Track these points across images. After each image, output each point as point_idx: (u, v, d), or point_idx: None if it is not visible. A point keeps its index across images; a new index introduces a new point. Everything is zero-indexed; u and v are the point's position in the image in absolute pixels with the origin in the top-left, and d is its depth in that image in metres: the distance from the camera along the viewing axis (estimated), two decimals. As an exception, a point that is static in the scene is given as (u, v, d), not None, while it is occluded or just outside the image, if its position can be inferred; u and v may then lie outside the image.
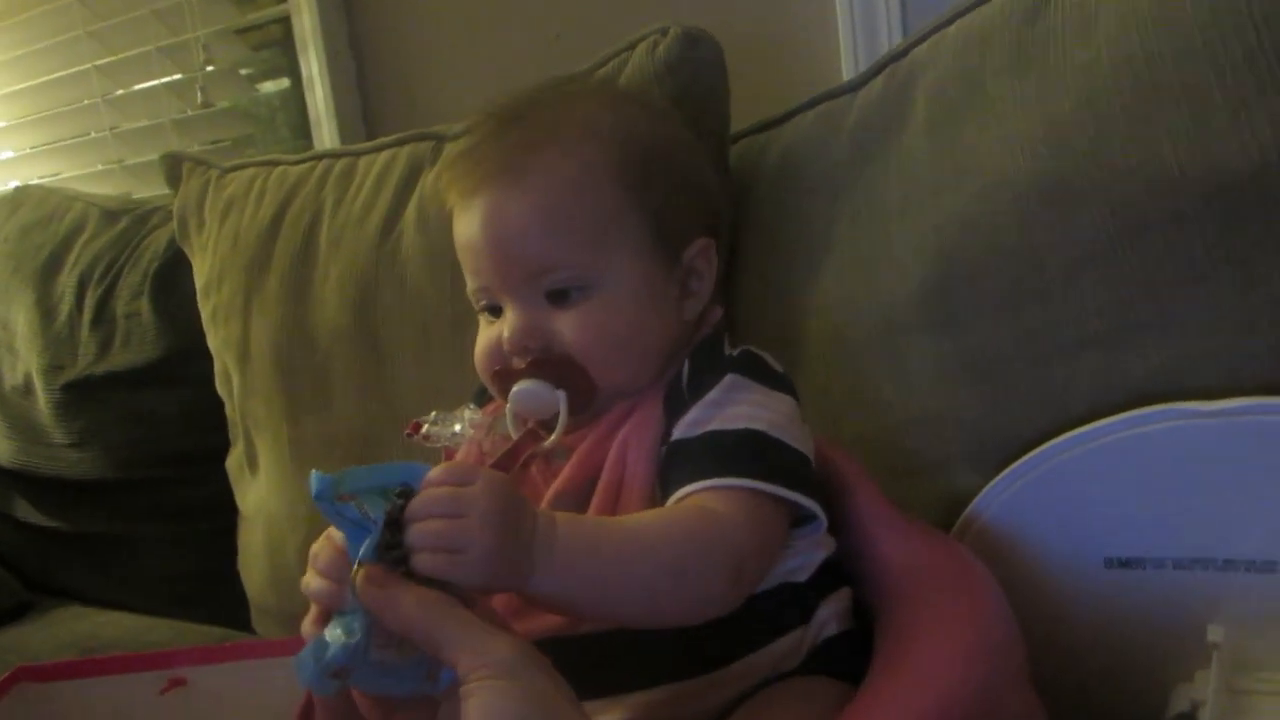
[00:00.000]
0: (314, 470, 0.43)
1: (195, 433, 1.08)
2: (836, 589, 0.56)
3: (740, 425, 0.52)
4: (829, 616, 0.54)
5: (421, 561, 0.41)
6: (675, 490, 0.50)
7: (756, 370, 0.56)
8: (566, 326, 0.55)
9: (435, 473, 0.44)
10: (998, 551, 0.60)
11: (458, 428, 0.56)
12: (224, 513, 1.03)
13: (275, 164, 1.02)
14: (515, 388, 0.55)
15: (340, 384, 0.89)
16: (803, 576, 0.54)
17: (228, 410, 1.02)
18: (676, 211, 0.58)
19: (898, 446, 0.66)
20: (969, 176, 0.63)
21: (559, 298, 0.55)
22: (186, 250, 1.07)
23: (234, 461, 1.02)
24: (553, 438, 0.54)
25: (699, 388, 0.54)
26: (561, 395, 0.54)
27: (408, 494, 0.43)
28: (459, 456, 0.57)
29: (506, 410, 0.55)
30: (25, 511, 1.21)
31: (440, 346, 0.84)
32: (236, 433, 1.01)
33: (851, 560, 0.57)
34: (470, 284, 0.59)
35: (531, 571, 0.43)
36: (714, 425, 0.52)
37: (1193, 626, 0.54)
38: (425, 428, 0.56)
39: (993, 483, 0.61)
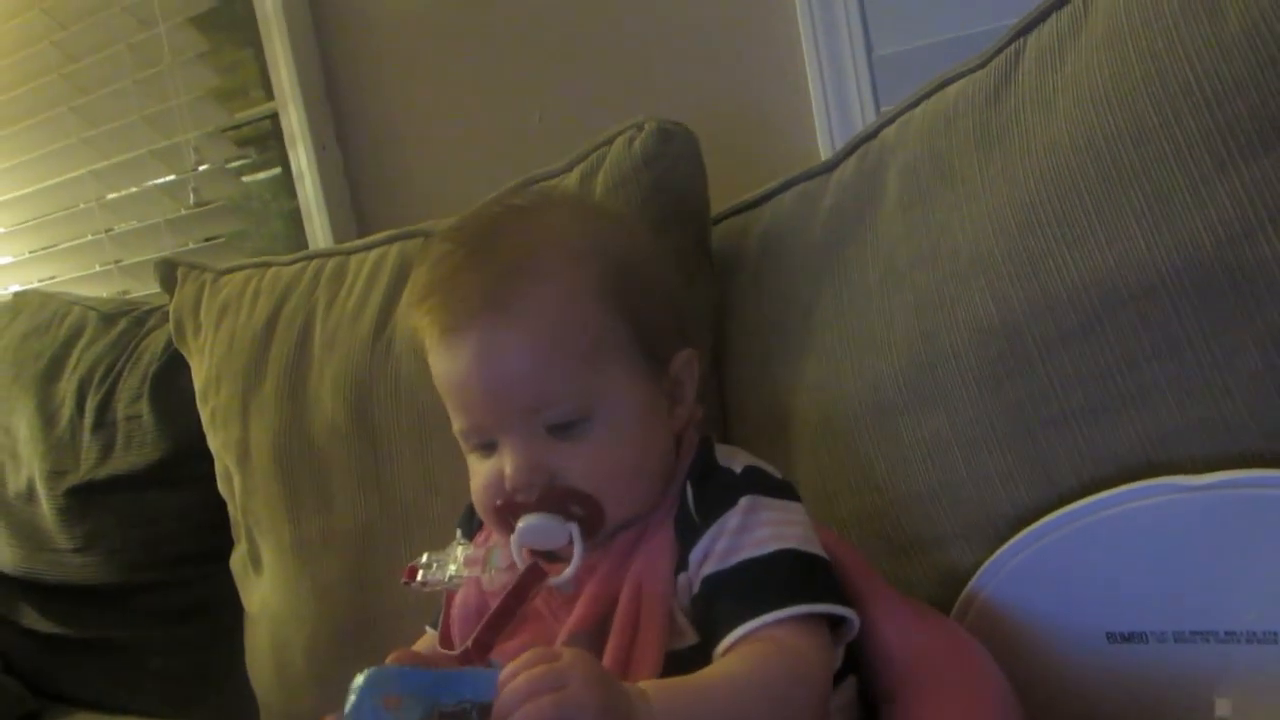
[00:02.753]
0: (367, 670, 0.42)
1: (199, 533, 1.08)
2: (843, 678, 0.56)
3: (772, 548, 0.52)
4: (834, 710, 0.54)
5: None
6: (727, 629, 0.50)
7: (766, 485, 0.55)
8: (575, 461, 0.53)
9: (519, 661, 0.43)
10: (1000, 628, 0.60)
11: (453, 568, 0.55)
12: (229, 611, 1.03)
13: (268, 265, 1.03)
14: (521, 524, 0.53)
15: (340, 482, 0.90)
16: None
17: (230, 510, 1.02)
18: (660, 323, 0.58)
19: (892, 524, 0.66)
20: (943, 256, 0.64)
21: (561, 430, 0.54)
22: (185, 353, 1.08)
23: (238, 561, 1.02)
24: (568, 571, 0.53)
25: (711, 512, 0.54)
26: (574, 528, 0.53)
27: (482, 709, 0.42)
28: (459, 598, 0.57)
29: (511, 544, 0.54)
30: (31, 619, 1.21)
31: (438, 440, 0.84)
32: (239, 532, 1.01)
33: (854, 649, 0.57)
34: (458, 423, 0.57)
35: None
36: (746, 554, 0.52)
37: (1198, 700, 0.54)
38: (420, 573, 0.55)
39: (989, 560, 0.61)
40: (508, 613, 0.53)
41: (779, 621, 0.50)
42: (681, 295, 0.63)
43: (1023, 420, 0.60)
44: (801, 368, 0.72)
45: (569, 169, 0.82)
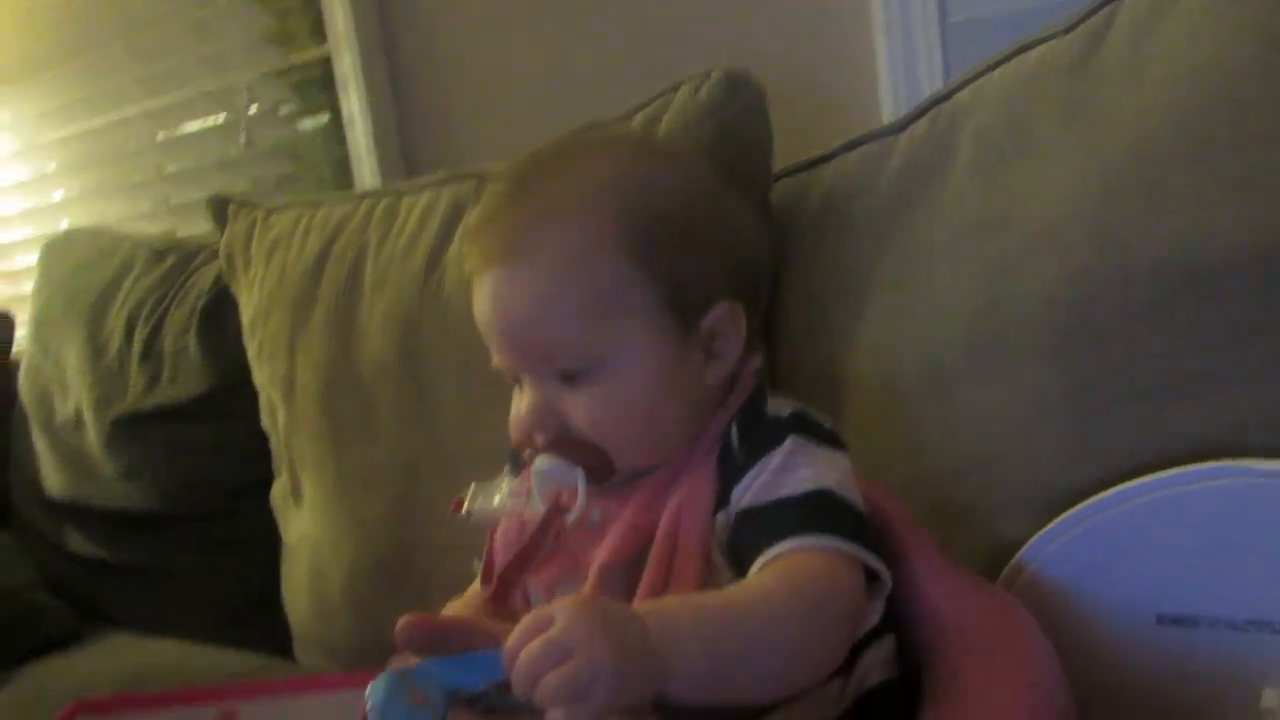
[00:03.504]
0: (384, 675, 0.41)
1: (240, 465, 1.10)
2: (880, 635, 0.55)
3: (809, 487, 0.51)
4: (872, 664, 0.54)
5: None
6: (756, 555, 0.49)
7: (813, 431, 0.54)
8: (577, 408, 0.54)
9: (512, 639, 0.40)
10: (1046, 603, 0.59)
11: (497, 500, 0.55)
12: (268, 544, 1.05)
13: (319, 204, 1.04)
14: (535, 464, 0.54)
15: (385, 418, 0.91)
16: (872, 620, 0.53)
17: (273, 443, 1.04)
18: (693, 276, 0.56)
19: (943, 493, 0.65)
20: (1016, 223, 0.63)
21: (571, 378, 0.54)
22: (233, 288, 1.09)
23: (278, 493, 1.03)
24: (572, 516, 0.53)
25: (755, 453, 0.53)
26: (579, 473, 0.53)
27: (498, 687, 0.41)
28: (500, 530, 0.57)
29: (533, 482, 0.55)
30: (76, 543, 1.24)
31: (483, 382, 0.84)
32: (281, 465, 1.02)
33: (895, 606, 0.57)
34: (493, 358, 0.58)
35: (665, 675, 0.41)
36: (784, 491, 0.51)
37: (1246, 689, 0.53)
38: (466, 504, 0.55)
39: (1041, 533, 0.60)
40: (531, 552, 0.54)
41: (812, 548, 0.49)
42: (743, 240, 0.59)
43: (1087, 396, 0.59)
44: (857, 331, 0.72)
45: (630, 115, 0.81)
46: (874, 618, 0.54)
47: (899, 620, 0.57)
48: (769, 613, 0.45)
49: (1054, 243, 0.60)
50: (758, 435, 0.54)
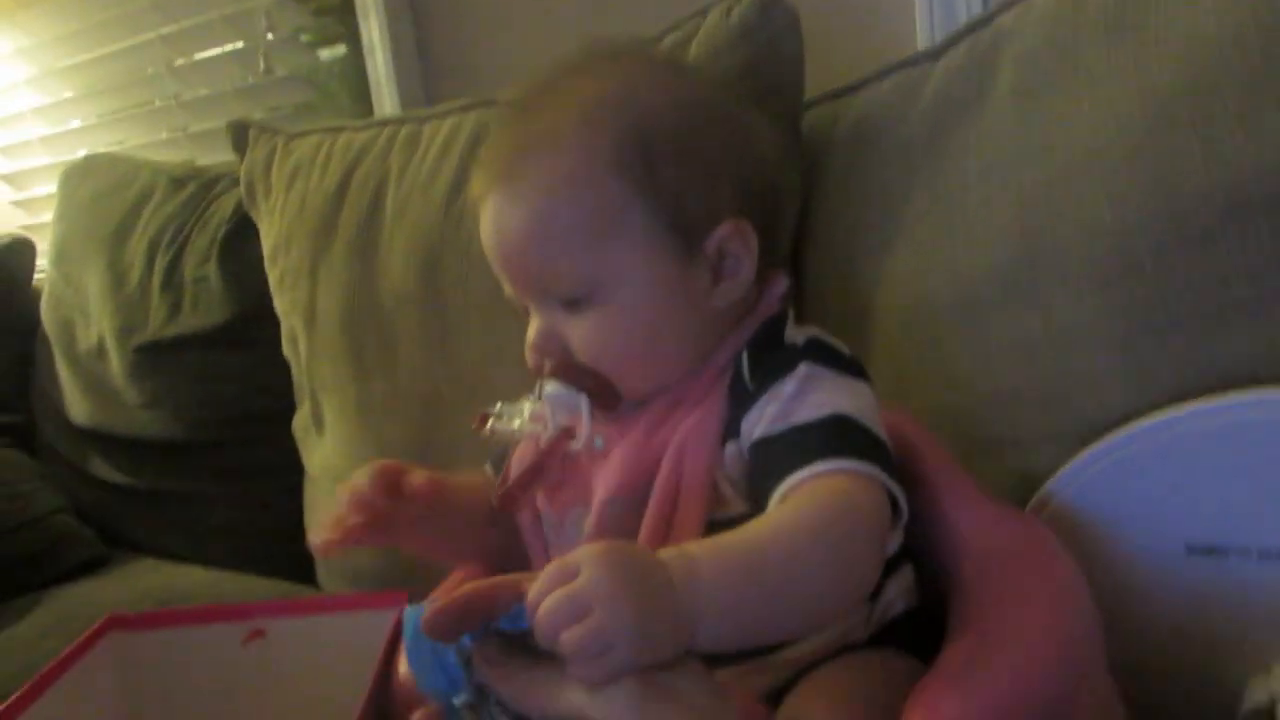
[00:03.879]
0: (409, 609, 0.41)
1: (262, 394, 1.10)
2: (900, 565, 0.55)
3: (826, 412, 0.49)
4: (895, 594, 0.54)
5: (585, 678, 0.38)
6: (775, 485, 0.48)
7: (829, 357, 0.52)
8: (577, 335, 0.53)
9: (534, 591, 0.38)
10: (1073, 532, 0.59)
11: (518, 422, 0.55)
12: (290, 472, 1.06)
13: (340, 130, 1.02)
14: (545, 390, 0.54)
15: (406, 346, 0.91)
16: (891, 549, 0.53)
17: (294, 372, 1.04)
18: (695, 194, 0.53)
19: (972, 423, 0.65)
20: (1057, 150, 0.61)
21: (571, 305, 0.53)
22: (254, 215, 1.08)
23: (300, 423, 1.04)
24: (577, 442, 0.53)
25: (767, 380, 0.51)
26: (583, 399, 0.53)
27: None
28: (518, 452, 0.57)
29: (544, 405, 0.54)
30: (101, 469, 1.25)
31: (504, 311, 0.84)
32: (303, 394, 1.02)
33: (919, 534, 0.56)
34: (504, 287, 0.58)
35: (695, 621, 0.39)
36: (798, 418, 0.49)
37: (1275, 617, 0.53)
38: (490, 421, 0.55)
39: (1072, 462, 0.59)
40: (534, 474, 0.54)
41: (833, 472, 0.46)
42: (754, 156, 0.56)
43: (1125, 325, 0.58)
44: (887, 260, 0.71)
45: (660, 39, 0.79)
46: (893, 546, 0.54)
47: (924, 549, 0.57)
48: (793, 548, 0.43)
49: (1097, 170, 0.58)
50: (771, 362, 0.52)
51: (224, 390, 1.14)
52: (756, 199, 0.56)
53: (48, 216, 1.45)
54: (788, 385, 0.50)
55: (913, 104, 0.72)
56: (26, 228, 1.67)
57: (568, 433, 0.54)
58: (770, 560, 0.42)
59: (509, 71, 1.17)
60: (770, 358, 0.52)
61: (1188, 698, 0.58)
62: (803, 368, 0.51)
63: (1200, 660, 0.57)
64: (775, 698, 0.49)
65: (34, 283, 1.49)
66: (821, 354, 0.52)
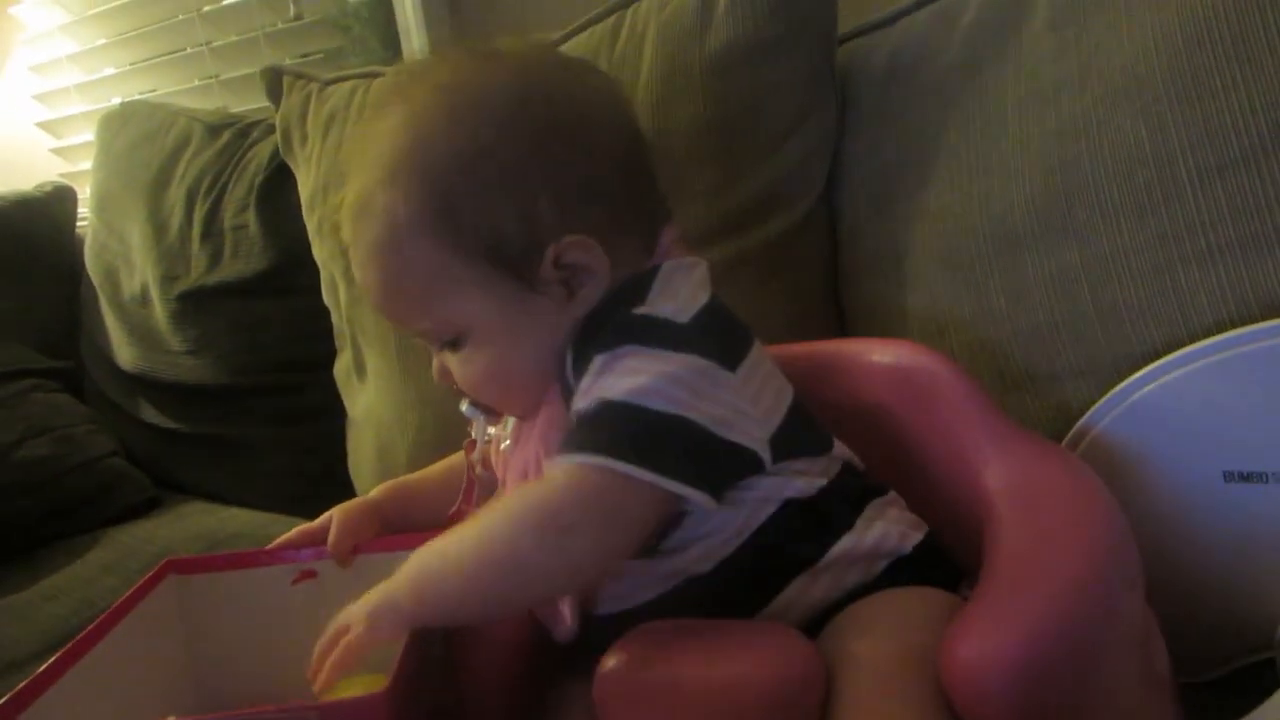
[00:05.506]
0: None
1: (303, 341, 1.12)
2: (873, 496, 0.54)
3: (593, 400, 0.48)
4: (884, 527, 0.53)
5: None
6: None
7: (644, 331, 0.49)
8: (455, 372, 0.56)
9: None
10: (1109, 465, 0.59)
11: (491, 431, 0.61)
12: (332, 417, 1.08)
13: (375, 75, 1.02)
14: (462, 406, 0.59)
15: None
16: (808, 493, 0.52)
17: (334, 319, 1.05)
18: (508, 230, 0.51)
19: (1006, 359, 0.65)
20: (1095, 77, 0.60)
21: (447, 344, 0.55)
22: (291, 163, 1.09)
23: (341, 369, 1.06)
24: (475, 454, 0.60)
25: (580, 373, 0.50)
26: (480, 417, 0.59)
27: None
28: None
29: None
30: (149, 414, 1.28)
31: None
32: (344, 341, 1.04)
33: (946, 471, 0.56)
34: None
35: (401, 606, 0.47)
36: (577, 409, 0.49)
37: (1315, 542, 0.53)
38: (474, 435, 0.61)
39: (1108, 394, 0.60)
40: (469, 487, 0.61)
41: (555, 466, 0.47)
42: (572, 168, 0.53)
43: (1163, 254, 0.58)
44: (923, 197, 0.70)
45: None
46: (815, 482, 0.52)
47: (955, 487, 0.57)
48: (461, 552, 0.47)
49: (1136, 97, 0.58)
50: (588, 351, 0.50)
51: (266, 337, 1.17)
52: (595, 198, 0.53)
53: (85, 164, 1.47)
54: (585, 380, 0.49)
55: (948, 35, 0.71)
56: (65, 175, 1.70)
57: (469, 448, 0.60)
58: (458, 551, 0.47)
59: (537, 12, 1.16)
60: (587, 347, 0.50)
61: (1226, 624, 0.59)
62: (597, 360, 0.49)
63: (1236, 587, 0.58)
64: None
65: (77, 230, 1.51)
66: (633, 330, 0.50)
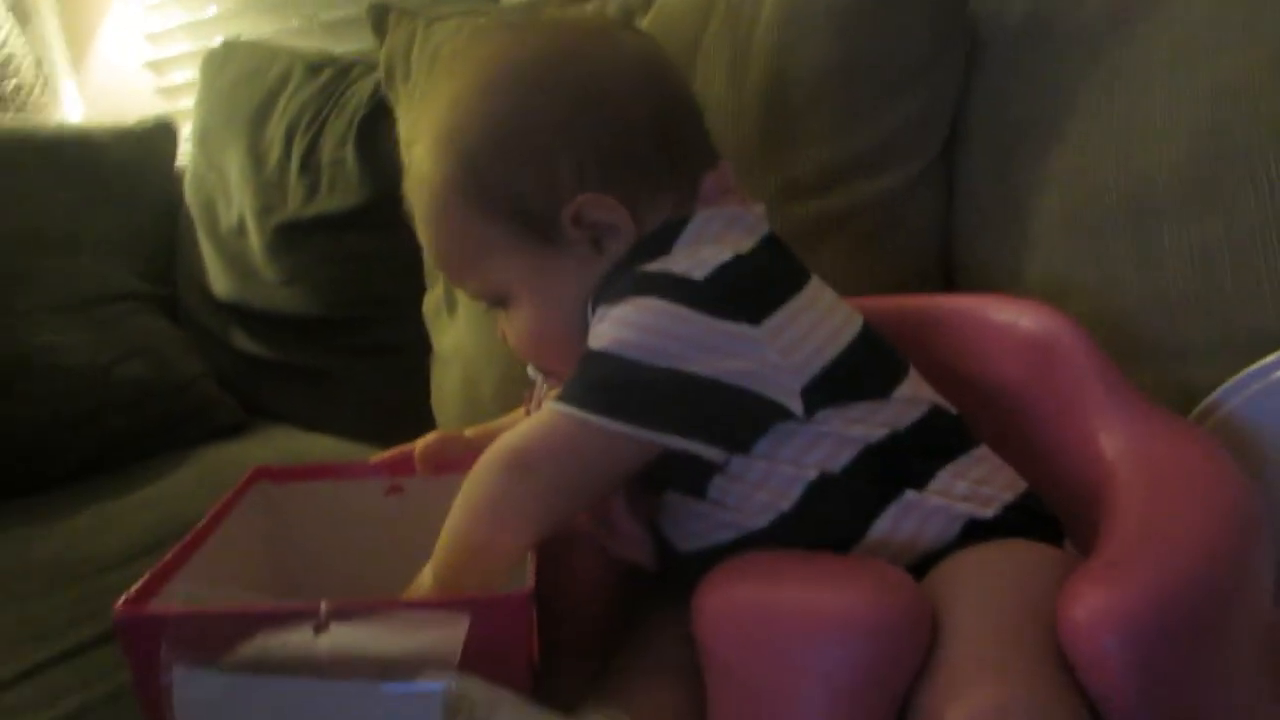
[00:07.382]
0: None
1: (395, 275, 1.13)
2: (956, 454, 0.52)
3: (586, 350, 0.51)
4: (944, 492, 0.50)
5: None
6: None
7: (644, 287, 0.50)
8: (507, 333, 0.58)
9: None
10: (1236, 447, 0.56)
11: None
12: (418, 352, 1.09)
13: (481, 14, 1.02)
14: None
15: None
16: (868, 441, 0.50)
17: (426, 255, 1.06)
18: (529, 192, 0.54)
19: (1134, 328, 0.62)
20: (1256, 39, 0.56)
21: (496, 303, 0.58)
22: (392, 98, 1.10)
23: (431, 304, 1.06)
24: (530, 408, 0.62)
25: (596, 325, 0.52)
26: (539, 379, 0.61)
27: None
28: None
29: None
30: (241, 341, 1.32)
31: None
32: (435, 276, 1.05)
33: (1059, 434, 0.54)
34: None
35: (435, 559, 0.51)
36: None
37: None
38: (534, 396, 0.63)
39: (1243, 373, 0.56)
40: None
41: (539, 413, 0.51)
42: (590, 129, 0.54)
43: (1318, 230, 0.54)
44: (1051, 157, 0.67)
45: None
46: (847, 448, 0.50)
47: (1067, 453, 0.55)
48: (468, 481, 0.50)
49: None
50: (597, 305, 0.53)
51: (358, 270, 1.18)
52: (619, 156, 0.54)
53: (185, 103, 1.50)
54: (596, 326, 0.51)
55: (1094, -12, 0.67)
56: (167, 113, 1.74)
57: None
58: (455, 511, 0.50)
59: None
60: (597, 303, 0.53)
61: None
62: (599, 311, 0.52)
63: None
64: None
65: (177, 164, 1.55)
66: (637, 285, 0.50)
